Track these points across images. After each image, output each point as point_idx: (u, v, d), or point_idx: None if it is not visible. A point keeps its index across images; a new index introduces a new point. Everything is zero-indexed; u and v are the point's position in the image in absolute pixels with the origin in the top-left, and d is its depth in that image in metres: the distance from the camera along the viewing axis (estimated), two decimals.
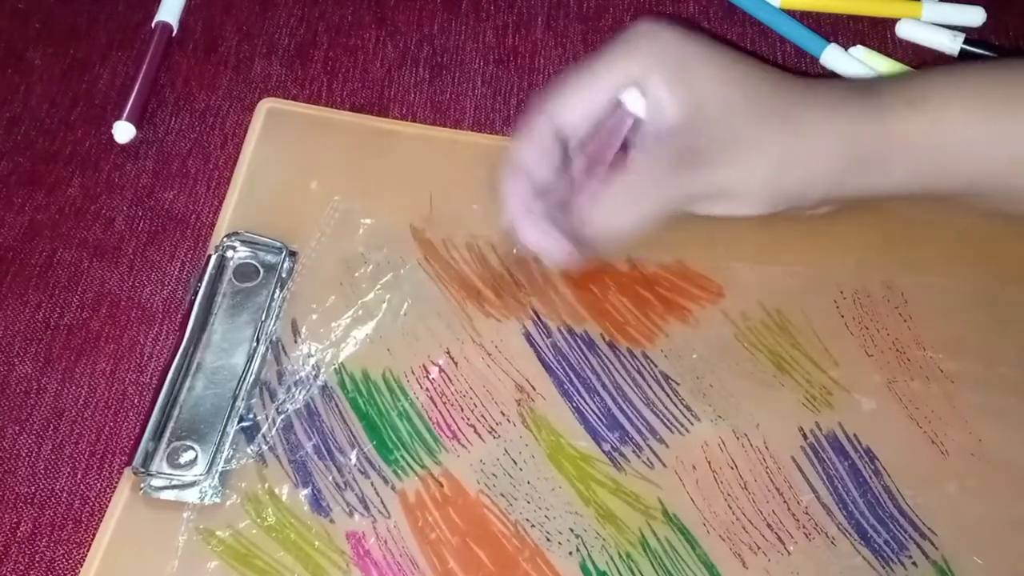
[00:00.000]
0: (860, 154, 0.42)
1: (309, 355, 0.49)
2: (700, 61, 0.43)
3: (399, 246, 0.52)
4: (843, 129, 0.42)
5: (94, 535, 0.44)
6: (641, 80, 0.43)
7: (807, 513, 0.46)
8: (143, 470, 0.45)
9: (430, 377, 0.49)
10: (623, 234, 0.42)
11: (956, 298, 0.52)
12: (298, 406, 0.48)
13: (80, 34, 0.60)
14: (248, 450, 0.46)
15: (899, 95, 0.42)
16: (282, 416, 0.47)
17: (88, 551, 0.44)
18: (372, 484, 0.46)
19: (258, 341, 0.48)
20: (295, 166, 0.55)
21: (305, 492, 0.46)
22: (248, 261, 0.51)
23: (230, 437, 0.46)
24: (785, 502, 0.47)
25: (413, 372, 0.49)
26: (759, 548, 0.45)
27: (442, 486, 0.46)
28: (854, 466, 0.47)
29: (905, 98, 0.42)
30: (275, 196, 0.54)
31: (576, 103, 0.44)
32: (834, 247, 0.53)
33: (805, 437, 0.48)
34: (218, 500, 0.45)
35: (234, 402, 0.47)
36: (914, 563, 0.45)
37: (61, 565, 0.44)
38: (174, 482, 0.45)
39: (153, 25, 0.60)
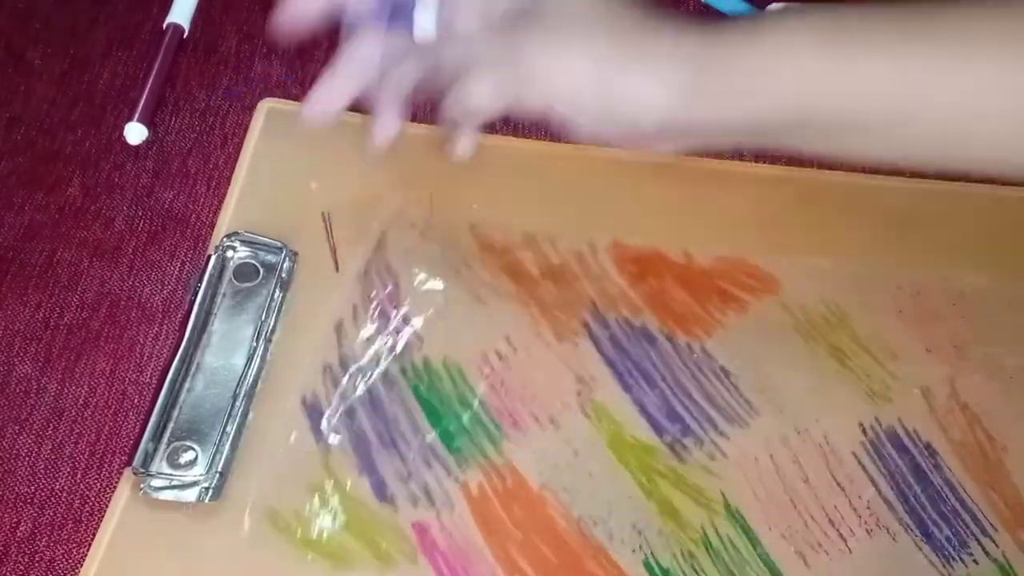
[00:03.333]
0: (694, 80, 0.39)
1: (370, 341, 0.49)
2: None
3: (454, 241, 0.52)
4: (677, 53, 0.39)
5: (94, 535, 0.44)
6: None
7: (868, 508, 0.46)
8: (143, 470, 0.45)
9: (491, 365, 0.49)
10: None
11: (1014, 294, 0.52)
12: (360, 393, 0.48)
13: (80, 34, 0.60)
14: (312, 437, 0.47)
15: (740, 27, 0.39)
16: (345, 403, 0.48)
17: (88, 551, 0.44)
18: (435, 475, 0.46)
19: (258, 341, 0.48)
20: (295, 166, 0.55)
21: (370, 480, 0.46)
22: (248, 261, 0.51)
23: (230, 437, 0.46)
24: (847, 497, 0.46)
25: (473, 361, 0.49)
26: (820, 546, 0.45)
27: (505, 480, 0.46)
28: (914, 461, 0.47)
29: (745, 28, 0.39)
30: (275, 196, 0.54)
31: None
32: (891, 242, 0.53)
33: (865, 433, 0.48)
34: (218, 500, 0.45)
35: (234, 402, 0.47)
36: (975, 561, 0.45)
37: (61, 565, 0.44)
38: (174, 482, 0.45)
39: (164, 27, 0.60)
